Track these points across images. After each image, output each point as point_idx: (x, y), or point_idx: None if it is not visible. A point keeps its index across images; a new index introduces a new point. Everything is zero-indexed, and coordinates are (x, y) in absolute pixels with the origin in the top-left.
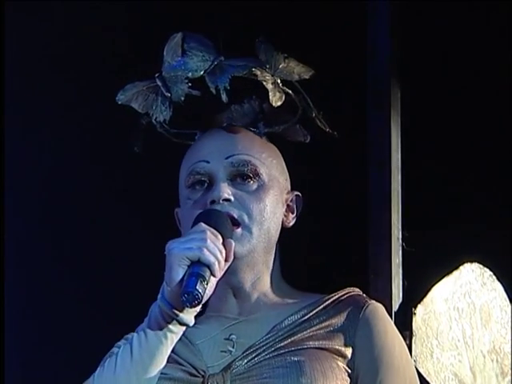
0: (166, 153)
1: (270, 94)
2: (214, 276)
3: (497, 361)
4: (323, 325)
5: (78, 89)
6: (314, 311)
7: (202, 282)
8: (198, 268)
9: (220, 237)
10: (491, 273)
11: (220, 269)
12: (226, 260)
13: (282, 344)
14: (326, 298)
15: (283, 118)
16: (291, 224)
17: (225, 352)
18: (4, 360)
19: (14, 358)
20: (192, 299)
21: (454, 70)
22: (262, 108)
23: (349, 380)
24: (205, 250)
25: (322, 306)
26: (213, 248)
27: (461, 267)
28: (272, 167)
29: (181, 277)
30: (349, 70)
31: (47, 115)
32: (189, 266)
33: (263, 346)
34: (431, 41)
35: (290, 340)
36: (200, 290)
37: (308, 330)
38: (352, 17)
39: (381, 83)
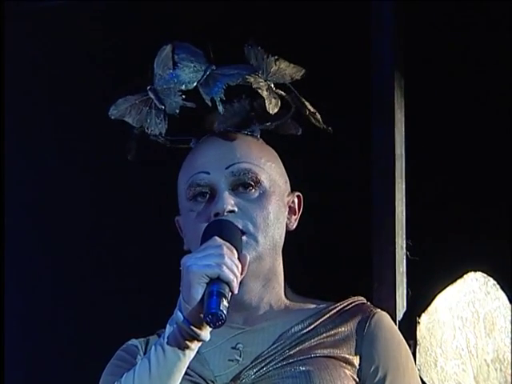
0: (163, 160)
1: (266, 101)
2: (232, 293)
3: (500, 370)
4: (330, 333)
5: (76, 97)
6: (321, 320)
7: (223, 300)
8: (217, 286)
9: (235, 251)
10: (495, 282)
11: (237, 284)
12: (240, 274)
13: (291, 353)
14: (332, 306)
15: (275, 116)
16: (294, 226)
17: (232, 361)
18: (4, 361)
19: (14, 361)
20: (216, 320)
21: (459, 77)
22: (252, 106)
23: None
24: (224, 267)
25: (328, 315)
26: (231, 264)
27: (465, 276)
28: (272, 171)
29: (201, 295)
30: (353, 77)
31: (46, 123)
32: (207, 284)
33: (271, 355)
34: (437, 47)
35: (297, 349)
36: (224, 310)
37: (315, 339)
38: (356, 22)
39: (385, 91)
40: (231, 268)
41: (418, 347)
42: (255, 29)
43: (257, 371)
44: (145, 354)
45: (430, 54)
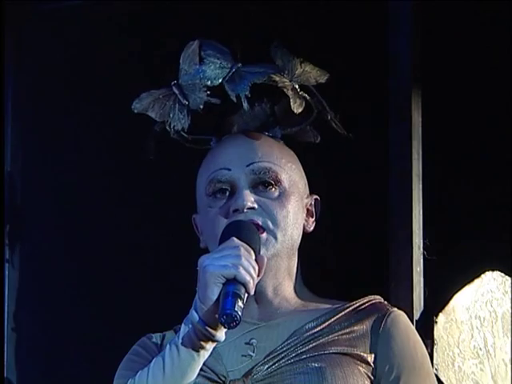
0: (180, 159)
1: (291, 100)
2: (248, 294)
3: None
4: (345, 331)
5: (90, 95)
6: (336, 317)
7: (238, 301)
8: (233, 287)
9: (252, 252)
10: None
11: (254, 286)
12: (257, 275)
13: (304, 349)
14: (348, 304)
15: (295, 120)
16: (311, 229)
17: (245, 356)
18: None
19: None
20: (231, 320)
21: (477, 78)
22: (273, 110)
23: None
24: (240, 268)
25: (343, 313)
26: (247, 266)
27: (482, 275)
28: (292, 172)
29: (217, 296)
30: (369, 78)
31: (65, 123)
32: (223, 284)
33: (284, 351)
34: (454, 47)
35: (311, 345)
36: (238, 311)
37: (330, 336)
38: (373, 23)
39: (402, 92)
40: (248, 269)
41: (435, 347)
42: (271, 29)
43: (269, 367)
44: (161, 348)
45: (448, 54)
